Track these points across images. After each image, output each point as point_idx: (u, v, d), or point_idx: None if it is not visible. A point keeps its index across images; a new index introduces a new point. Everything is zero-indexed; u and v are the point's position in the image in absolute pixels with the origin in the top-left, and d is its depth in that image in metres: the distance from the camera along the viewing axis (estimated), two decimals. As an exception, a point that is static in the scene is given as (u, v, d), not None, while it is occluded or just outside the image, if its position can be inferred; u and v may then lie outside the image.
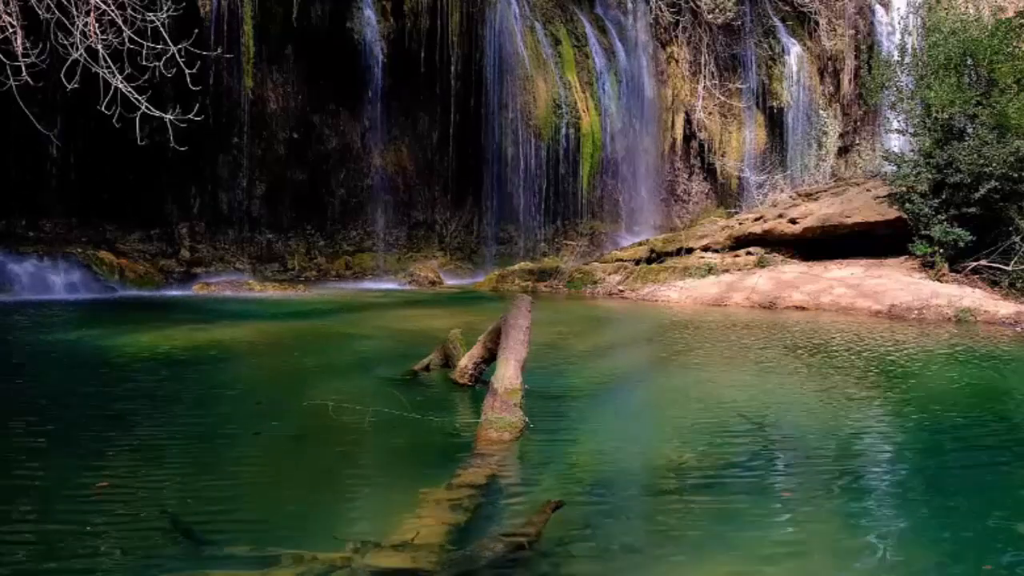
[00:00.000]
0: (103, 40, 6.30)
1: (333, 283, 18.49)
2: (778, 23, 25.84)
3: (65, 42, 6.29)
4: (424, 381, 7.54)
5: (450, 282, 19.27)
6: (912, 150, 17.11)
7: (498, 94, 20.48)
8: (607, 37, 23.13)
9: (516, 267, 18.85)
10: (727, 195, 25.14)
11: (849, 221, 16.53)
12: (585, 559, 3.76)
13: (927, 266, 15.19)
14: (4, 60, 6.45)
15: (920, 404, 7.14)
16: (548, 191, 21.42)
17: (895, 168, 16.35)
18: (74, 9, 6.30)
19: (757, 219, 18.38)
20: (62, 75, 6.26)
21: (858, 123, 27.21)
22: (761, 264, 16.84)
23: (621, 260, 18.52)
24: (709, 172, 25.28)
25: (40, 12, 6.36)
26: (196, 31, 7.77)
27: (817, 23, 25.95)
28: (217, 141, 17.68)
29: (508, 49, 20.52)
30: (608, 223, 22.97)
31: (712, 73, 24.71)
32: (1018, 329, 11.84)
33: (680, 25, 24.14)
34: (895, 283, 14.54)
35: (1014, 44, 15.93)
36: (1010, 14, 19.89)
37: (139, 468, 4.90)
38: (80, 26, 6.23)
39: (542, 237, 21.70)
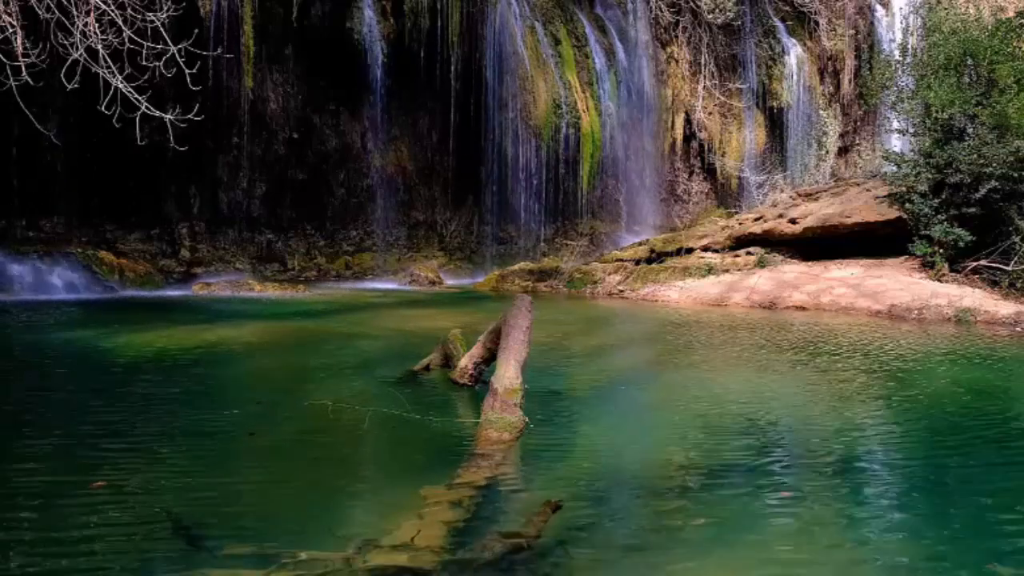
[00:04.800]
0: (103, 40, 6.30)
1: (333, 283, 18.49)
2: (778, 23, 25.85)
3: (65, 42, 6.29)
4: (424, 381, 7.54)
5: (450, 282, 19.27)
6: (912, 150, 17.13)
7: (498, 94, 20.49)
8: (607, 37, 23.15)
9: (516, 267, 18.86)
10: (727, 195, 25.16)
11: (849, 221, 16.53)
12: (585, 559, 3.75)
13: (927, 266, 15.19)
14: (4, 60, 6.44)
15: (920, 404, 7.14)
16: (548, 191, 21.43)
17: (895, 168, 16.36)
18: (74, 9, 6.30)
19: (757, 219, 18.39)
20: (62, 75, 6.26)
21: (858, 123, 27.23)
22: (761, 264, 16.84)
23: (621, 260, 18.53)
24: (709, 172, 25.29)
25: (40, 12, 6.36)
26: (196, 31, 7.78)
27: (817, 23, 25.97)
28: (217, 141, 17.69)
29: (508, 49, 20.53)
30: (608, 223, 22.98)
31: (712, 73, 24.72)
32: (1018, 329, 11.84)
33: (680, 25, 24.15)
34: (895, 283, 14.54)
35: (1014, 44, 15.94)
36: (1010, 14, 19.90)
37: (138, 468, 4.90)
38: (80, 26, 6.23)
39: (542, 237, 21.71)
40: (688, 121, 24.80)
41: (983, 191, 14.62)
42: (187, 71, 6.71)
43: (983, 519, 4.38)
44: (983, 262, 14.78)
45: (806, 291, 14.77)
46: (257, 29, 17.64)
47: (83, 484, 4.53)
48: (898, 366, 8.94)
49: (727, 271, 16.79)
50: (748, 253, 17.49)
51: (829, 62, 26.41)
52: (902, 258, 15.82)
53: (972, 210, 14.80)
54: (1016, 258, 14.35)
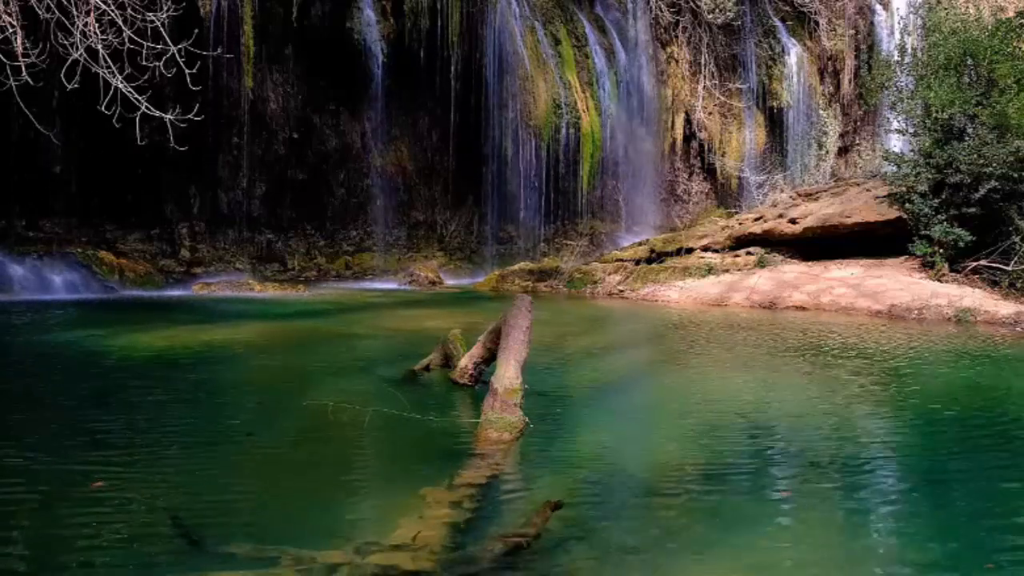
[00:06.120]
0: (103, 40, 6.30)
1: (333, 283, 18.48)
2: (778, 23, 25.84)
3: (65, 42, 6.29)
4: (424, 381, 7.54)
5: (450, 282, 19.26)
6: (912, 150, 17.11)
7: (498, 94, 20.48)
8: (607, 37, 23.14)
9: (516, 267, 18.85)
10: (727, 195, 25.15)
11: (849, 221, 16.53)
12: (585, 559, 3.75)
13: (927, 266, 15.18)
14: (4, 60, 6.44)
15: (920, 404, 7.14)
16: (548, 191, 21.42)
17: (895, 168, 16.35)
18: (74, 9, 6.29)
19: (757, 219, 18.39)
20: (62, 75, 6.25)
21: (858, 123, 27.21)
22: (761, 264, 16.84)
23: (621, 260, 18.52)
24: (709, 172, 25.28)
25: (40, 12, 6.36)
26: (196, 31, 7.77)
27: (817, 23, 25.95)
28: (217, 141, 17.68)
29: (508, 49, 20.52)
30: (608, 223, 22.97)
31: (712, 73, 24.71)
32: (1018, 329, 11.84)
33: (680, 25, 24.14)
34: (895, 283, 14.54)
35: (1014, 44, 15.93)
36: (1010, 14, 19.89)
37: (138, 468, 4.90)
38: (80, 26, 6.23)
39: (542, 237, 21.70)
40: (688, 121, 24.78)
41: (983, 191, 14.62)
42: (187, 71, 6.71)
43: (983, 519, 4.38)
44: (983, 262, 14.78)
45: (806, 291, 14.77)
46: (257, 29, 17.64)
47: (83, 484, 4.53)
48: (898, 366, 8.95)
49: (727, 271, 16.79)
50: (748, 253, 17.49)
51: (829, 62, 26.40)
52: (902, 258, 15.81)
53: (972, 210, 14.79)
54: (1016, 258, 14.35)
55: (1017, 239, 14.42)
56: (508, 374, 5.90)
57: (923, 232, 15.15)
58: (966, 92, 15.66)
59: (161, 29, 6.49)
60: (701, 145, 24.98)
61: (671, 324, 12.66)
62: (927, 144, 15.83)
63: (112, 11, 6.32)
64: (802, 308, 14.16)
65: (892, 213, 16.05)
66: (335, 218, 20.00)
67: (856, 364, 8.96)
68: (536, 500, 4.37)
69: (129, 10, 6.49)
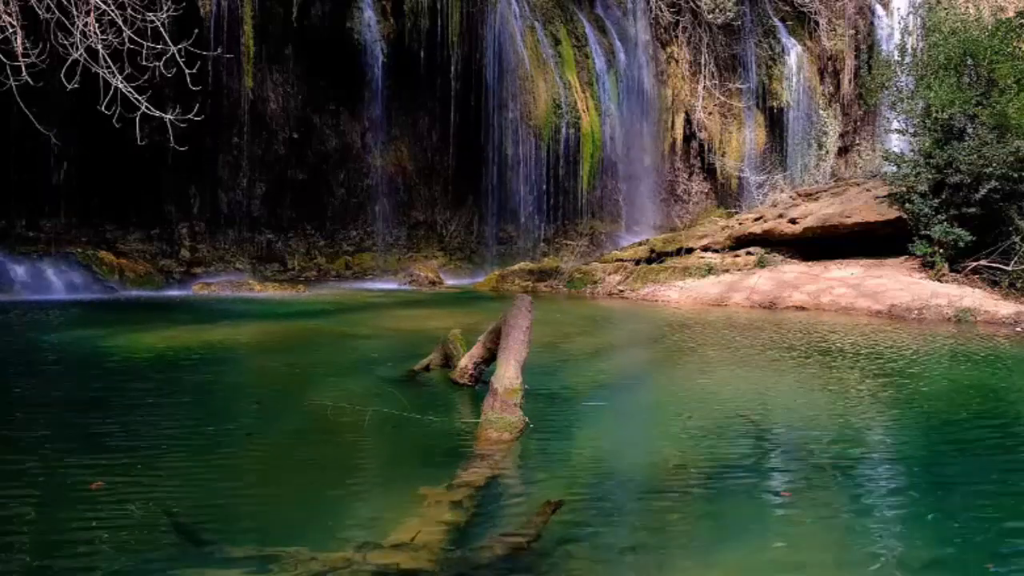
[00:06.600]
0: (103, 40, 6.30)
1: (333, 283, 18.49)
2: (778, 23, 25.84)
3: (65, 42, 6.29)
4: (424, 381, 7.54)
5: (450, 282, 19.27)
6: (912, 150, 17.11)
7: (498, 94, 20.49)
8: (607, 37, 23.14)
9: (516, 267, 18.85)
10: (727, 195, 25.15)
11: (849, 221, 16.53)
12: (585, 559, 3.75)
13: (927, 266, 15.19)
14: (4, 60, 6.44)
15: (920, 404, 7.14)
16: (548, 191, 21.43)
17: (895, 168, 16.35)
18: (74, 9, 6.29)
19: (757, 219, 18.39)
20: (62, 75, 6.25)
21: (858, 123, 27.21)
22: (761, 264, 16.84)
23: (621, 260, 18.52)
24: (709, 172, 25.29)
25: (40, 12, 6.36)
26: (196, 31, 7.78)
27: (817, 23, 25.96)
28: (217, 141, 17.68)
29: (508, 49, 20.52)
30: (608, 223, 22.97)
31: (712, 73, 24.71)
32: (1018, 329, 11.84)
33: (680, 25, 24.15)
34: (895, 283, 14.54)
35: (1014, 44, 15.93)
36: (1010, 14, 19.89)
37: (137, 469, 4.90)
38: (80, 26, 6.23)
39: (542, 237, 21.70)
40: (688, 121, 24.79)
41: (983, 191, 14.62)
42: (187, 71, 6.71)
43: (983, 520, 4.38)
44: (983, 262, 14.78)
45: (806, 291, 14.77)
46: (257, 29, 17.64)
47: (83, 485, 4.53)
48: (898, 366, 8.94)
49: (727, 271, 16.79)
50: (748, 253, 17.49)
51: (829, 62, 26.40)
52: (902, 258, 15.82)
53: (972, 210, 14.79)
54: (1016, 258, 14.35)
55: (1017, 239, 14.42)
56: (508, 374, 5.90)
57: (923, 232, 15.15)
58: (966, 92, 15.66)
59: (161, 29, 6.49)
60: (701, 145, 24.99)
61: (671, 324, 12.66)
62: (927, 144, 15.83)
63: (112, 11, 6.32)
64: (802, 308, 14.16)
65: (892, 213, 16.05)
66: (335, 218, 20.00)
67: (856, 364, 8.96)
68: (536, 500, 4.37)
69: (129, 10, 6.49)
